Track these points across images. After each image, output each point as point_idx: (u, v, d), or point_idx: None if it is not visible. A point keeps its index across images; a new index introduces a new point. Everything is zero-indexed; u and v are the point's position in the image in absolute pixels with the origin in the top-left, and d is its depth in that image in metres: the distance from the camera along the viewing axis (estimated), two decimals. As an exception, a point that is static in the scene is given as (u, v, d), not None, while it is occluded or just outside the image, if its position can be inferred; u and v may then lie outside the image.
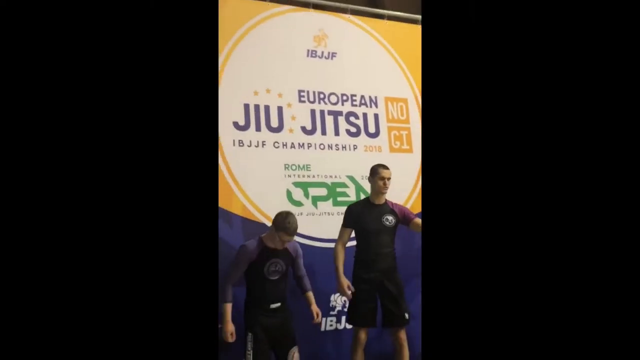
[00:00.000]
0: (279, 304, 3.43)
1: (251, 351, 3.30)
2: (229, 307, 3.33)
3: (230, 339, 3.30)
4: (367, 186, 4.29)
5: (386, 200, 3.77)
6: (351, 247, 3.78)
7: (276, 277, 3.42)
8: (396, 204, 3.82)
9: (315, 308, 3.53)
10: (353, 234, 3.75)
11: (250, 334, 3.32)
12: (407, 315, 3.63)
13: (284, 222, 3.32)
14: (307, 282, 3.60)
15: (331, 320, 4.05)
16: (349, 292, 3.56)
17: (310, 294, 3.58)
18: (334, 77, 4.40)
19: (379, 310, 3.64)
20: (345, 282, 3.57)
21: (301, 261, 3.59)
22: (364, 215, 3.67)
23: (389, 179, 3.71)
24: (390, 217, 3.69)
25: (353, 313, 3.63)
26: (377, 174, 3.73)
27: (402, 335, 3.61)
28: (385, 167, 3.75)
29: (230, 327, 3.31)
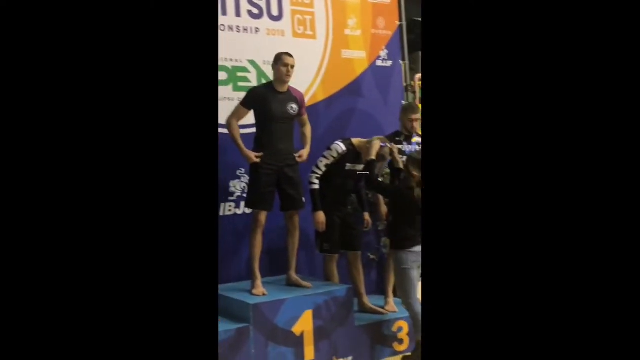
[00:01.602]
0: None
1: None
2: None
3: None
4: (269, 71, 4.19)
5: (289, 87, 3.71)
6: (247, 134, 3.74)
7: None
8: (297, 91, 3.78)
9: None
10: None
11: None
12: (303, 200, 3.74)
13: None
14: None
15: (230, 206, 4.07)
16: (258, 160, 3.58)
17: None
18: (235, -48, 4.12)
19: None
20: (251, 152, 3.59)
21: None
22: (269, 101, 3.61)
23: (292, 66, 3.66)
24: (294, 105, 3.69)
25: (252, 197, 3.66)
26: (280, 60, 3.65)
27: (297, 218, 3.75)
28: (289, 55, 3.67)
29: None
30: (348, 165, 3.85)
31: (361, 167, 3.87)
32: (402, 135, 4.16)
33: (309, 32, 4.47)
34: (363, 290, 3.98)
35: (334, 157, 3.81)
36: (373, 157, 3.68)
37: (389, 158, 3.79)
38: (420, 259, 3.53)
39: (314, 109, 4.40)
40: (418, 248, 3.51)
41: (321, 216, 3.80)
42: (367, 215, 4.14)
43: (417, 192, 3.47)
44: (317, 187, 3.80)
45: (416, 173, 3.48)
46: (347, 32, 4.64)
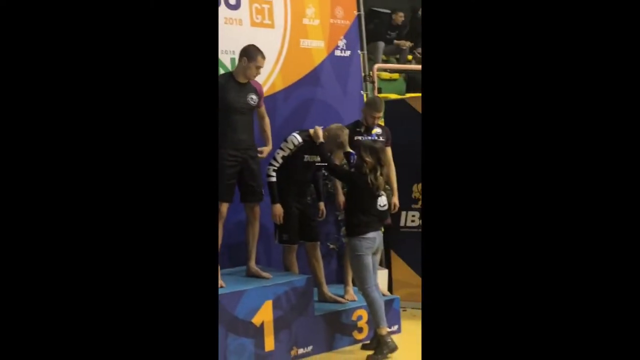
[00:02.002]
0: None
1: None
2: None
3: None
4: (227, 61, 4.15)
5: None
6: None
7: None
8: (256, 82, 3.75)
9: None
10: None
11: None
12: (263, 192, 3.74)
13: None
14: None
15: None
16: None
17: None
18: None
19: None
20: None
21: None
22: (228, 91, 3.56)
23: (262, 67, 3.63)
24: (254, 96, 3.66)
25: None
26: (254, 60, 3.58)
27: (257, 208, 3.74)
28: (264, 57, 3.62)
29: None
30: (306, 157, 3.86)
31: (319, 158, 3.89)
32: (362, 126, 4.19)
33: (267, 22, 4.43)
34: (323, 279, 4.00)
35: (290, 149, 3.81)
36: (321, 139, 3.72)
37: (345, 146, 3.81)
38: (374, 244, 3.57)
39: (272, 99, 4.38)
40: (372, 234, 3.55)
41: (278, 209, 3.81)
42: (322, 205, 4.18)
43: (371, 177, 3.51)
44: (274, 179, 3.80)
45: (369, 159, 3.53)
46: (306, 21, 4.62)
